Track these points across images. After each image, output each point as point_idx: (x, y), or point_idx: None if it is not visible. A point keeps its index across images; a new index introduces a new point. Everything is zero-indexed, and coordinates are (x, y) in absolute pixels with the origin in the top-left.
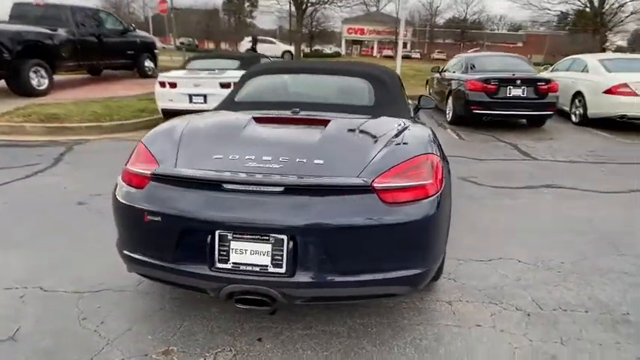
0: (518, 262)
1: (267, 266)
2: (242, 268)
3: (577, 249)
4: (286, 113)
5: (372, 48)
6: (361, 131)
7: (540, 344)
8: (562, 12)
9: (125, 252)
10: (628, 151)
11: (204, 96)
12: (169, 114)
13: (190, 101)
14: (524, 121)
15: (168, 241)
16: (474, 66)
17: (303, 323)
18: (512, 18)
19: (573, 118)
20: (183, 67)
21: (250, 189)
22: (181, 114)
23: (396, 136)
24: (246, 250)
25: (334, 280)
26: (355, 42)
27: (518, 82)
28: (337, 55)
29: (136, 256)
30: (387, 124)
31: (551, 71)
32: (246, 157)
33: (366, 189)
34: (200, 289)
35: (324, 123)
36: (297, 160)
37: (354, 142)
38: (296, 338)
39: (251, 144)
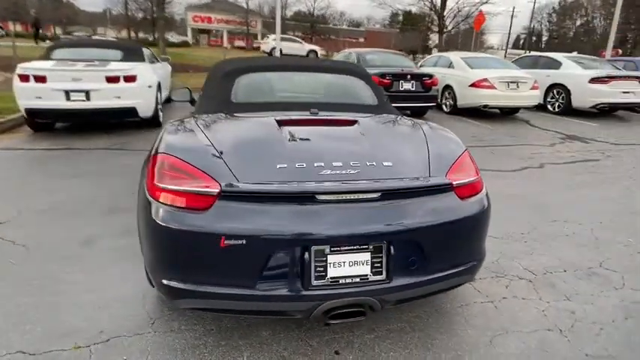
0: (493, 237)
1: (367, 275)
2: (341, 281)
3: (524, 221)
4: (305, 114)
5: (222, 38)
6: (395, 130)
7: (555, 303)
8: (393, 12)
9: (179, 286)
10: (497, 134)
11: (87, 92)
12: (37, 115)
13: (68, 99)
14: (408, 112)
15: (252, 265)
16: (365, 61)
17: (364, 328)
18: (350, 14)
19: (444, 108)
20: (46, 57)
21: (344, 198)
22: (54, 115)
23: (426, 133)
24: (344, 263)
25: (425, 278)
26: (202, 31)
27: (409, 76)
28: (186, 44)
29: (200, 289)
30: (406, 122)
31: (420, 67)
32: (315, 165)
33: (446, 187)
34: (284, 313)
35: (351, 123)
36: (368, 163)
37: (399, 142)
38: (369, 343)
39: (302, 150)
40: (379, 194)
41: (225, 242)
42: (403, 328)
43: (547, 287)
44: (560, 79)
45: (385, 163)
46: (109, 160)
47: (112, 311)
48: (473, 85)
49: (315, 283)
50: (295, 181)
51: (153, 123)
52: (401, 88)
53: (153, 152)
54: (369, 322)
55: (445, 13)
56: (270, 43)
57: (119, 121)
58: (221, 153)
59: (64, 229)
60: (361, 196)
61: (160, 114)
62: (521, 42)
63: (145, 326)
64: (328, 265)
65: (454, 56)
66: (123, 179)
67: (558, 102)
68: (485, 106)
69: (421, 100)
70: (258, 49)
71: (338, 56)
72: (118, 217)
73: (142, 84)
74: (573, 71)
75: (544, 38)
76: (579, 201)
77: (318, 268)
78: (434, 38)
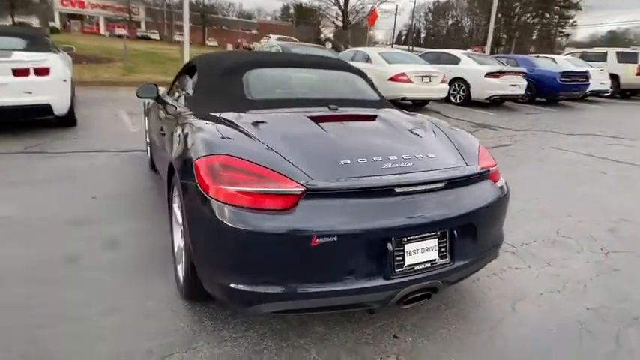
0: None
1: (435, 260)
2: (416, 267)
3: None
4: (324, 110)
5: (98, 25)
6: (415, 124)
7: (542, 269)
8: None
9: (260, 290)
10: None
11: None
12: None
13: None
14: None
15: (339, 260)
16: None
17: (407, 312)
18: (240, 5)
19: None
20: None
21: (417, 189)
22: None
23: (440, 127)
24: (417, 250)
25: (475, 258)
26: (73, 16)
27: None
28: (56, 31)
29: (283, 290)
30: (415, 116)
31: None
32: (375, 160)
33: (486, 174)
34: (363, 305)
35: (373, 118)
36: (417, 156)
37: (425, 135)
38: (419, 324)
39: (352, 145)
40: (443, 183)
41: (317, 240)
42: (439, 307)
43: (529, 257)
44: (460, 74)
45: (430, 155)
46: (35, 166)
47: (147, 329)
48: (391, 79)
49: (395, 271)
50: (375, 175)
51: (67, 121)
52: None
53: (202, 154)
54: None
55: (348, 9)
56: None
57: (25, 121)
58: (279, 151)
59: (31, 248)
60: (429, 186)
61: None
62: (403, 38)
63: (194, 339)
64: (406, 253)
65: (372, 51)
66: (66, 186)
67: (459, 94)
68: (403, 98)
69: None
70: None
71: (263, 48)
72: (88, 229)
73: (56, 77)
74: (471, 66)
75: (422, 35)
76: (512, 182)
77: (397, 258)
78: (325, 32)
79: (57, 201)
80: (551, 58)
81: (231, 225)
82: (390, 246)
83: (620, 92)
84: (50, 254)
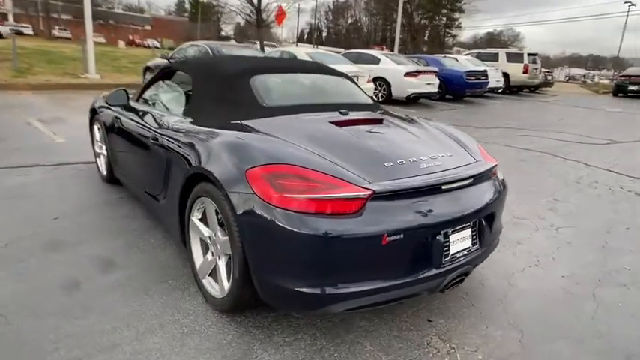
0: None
1: (469, 247)
2: (457, 256)
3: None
4: (336, 115)
5: None
6: (418, 125)
7: (516, 248)
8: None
9: (333, 292)
10: None
11: None
12: None
13: None
14: None
15: (401, 256)
16: (218, 53)
17: (430, 298)
18: None
19: None
20: None
21: (457, 185)
22: None
23: (439, 127)
24: (458, 240)
25: (492, 244)
26: None
27: None
28: None
29: (353, 289)
30: (410, 117)
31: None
32: (412, 160)
33: (495, 168)
34: (416, 294)
35: (380, 121)
36: (440, 155)
37: (432, 136)
38: (445, 306)
39: (385, 147)
40: (472, 179)
41: (387, 239)
42: (451, 291)
43: (502, 238)
44: (381, 73)
45: (448, 154)
46: None
47: (198, 346)
48: None
49: (443, 261)
50: (420, 175)
51: None
52: None
53: (255, 164)
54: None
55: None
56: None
57: None
58: (326, 157)
59: (17, 281)
60: (465, 182)
61: None
62: (305, 37)
63: (250, 350)
64: (450, 244)
65: (299, 51)
66: (15, 208)
67: (381, 93)
68: None
69: None
70: None
71: (185, 49)
72: (69, 253)
73: None
74: (391, 66)
75: (324, 34)
76: None
77: (445, 248)
78: (226, 29)
79: (15, 225)
80: (454, 57)
81: (306, 232)
82: (440, 238)
83: (510, 88)
84: (43, 284)
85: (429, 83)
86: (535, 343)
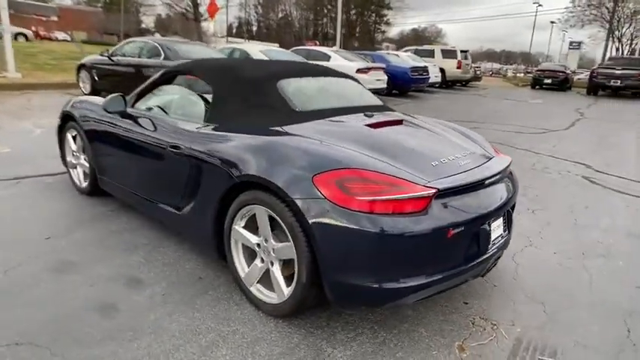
0: None
1: (502, 234)
2: (495, 242)
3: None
4: (362, 117)
5: None
6: (432, 124)
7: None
8: None
9: (406, 285)
10: None
11: None
12: None
13: None
14: None
15: (462, 246)
16: (176, 53)
17: None
18: None
19: None
20: None
21: (494, 179)
22: None
23: (448, 125)
24: (495, 228)
25: (511, 229)
26: None
27: None
28: None
29: (425, 281)
30: (419, 117)
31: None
32: (451, 158)
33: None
34: (466, 280)
35: (400, 122)
36: (470, 152)
37: (449, 133)
38: (471, 289)
39: (423, 147)
40: (502, 173)
41: (452, 232)
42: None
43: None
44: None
45: (472, 151)
46: None
47: (268, 353)
48: None
49: (488, 248)
50: (464, 171)
51: None
52: None
53: (321, 169)
54: None
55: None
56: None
57: None
58: (381, 159)
59: (39, 308)
60: (499, 175)
61: None
62: (234, 31)
63: (320, 350)
64: (491, 231)
65: (252, 48)
66: None
67: None
68: None
69: None
70: None
71: (126, 46)
72: (84, 274)
73: None
74: (342, 63)
75: (254, 28)
76: None
77: (489, 236)
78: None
79: (2, 250)
80: (396, 54)
81: (380, 232)
82: (486, 227)
83: (446, 83)
84: (73, 309)
85: (379, 79)
86: (557, 312)
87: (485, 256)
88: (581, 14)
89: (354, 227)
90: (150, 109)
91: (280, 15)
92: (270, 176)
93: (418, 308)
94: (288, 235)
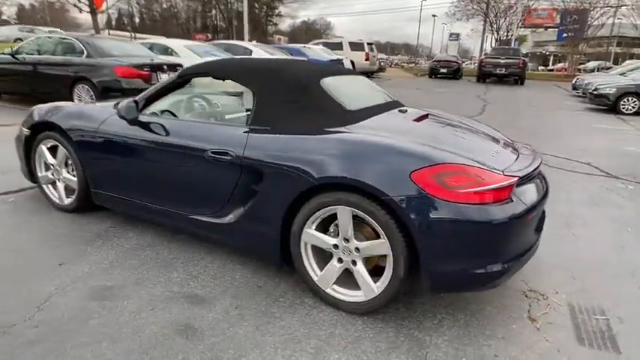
0: None
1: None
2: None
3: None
4: (398, 114)
5: None
6: (457, 119)
7: None
8: None
9: (504, 267)
10: None
11: None
12: None
13: None
14: None
15: (533, 228)
16: (97, 49)
17: None
18: None
19: None
20: None
21: (538, 170)
22: None
23: (463, 119)
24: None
25: None
26: None
27: (165, 67)
28: None
29: (515, 261)
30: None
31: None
32: (496, 151)
33: None
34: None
35: (427, 116)
36: (504, 144)
37: (476, 127)
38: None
39: (471, 141)
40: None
41: (530, 216)
42: None
43: None
44: None
45: (503, 143)
46: None
47: (381, 348)
48: None
49: (542, 227)
50: (520, 159)
51: None
52: (159, 80)
53: (419, 166)
54: None
55: None
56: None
57: None
58: (456, 152)
59: (107, 337)
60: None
61: None
62: (114, 22)
63: (422, 335)
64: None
65: (174, 43)
66: None
67: None
68: None
69: None
70: None
71: (37, 41)
72: (135, 296)
73: None
74: (264, 57)
75: (137, 20)
76: None
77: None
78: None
79: (13, 284)
80: (309, 47)
81: (481, 220)
82: (540, 212)
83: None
84: (149, 337)
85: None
86: (584, 277)
87: (539, 234)
88: (464, 9)
89: (457, 218)
90: (163, 113)
91: (165, 6)
92: (361, 176)
93: (475, 294)
94: (382, 232)
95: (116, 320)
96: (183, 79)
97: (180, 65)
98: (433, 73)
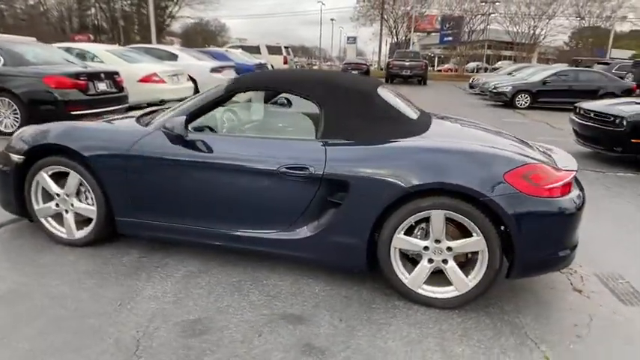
0: None
1: None
2: None
3: None
4: (436, 119)
5: None
6: (468, 121)
7: None
8: None
9: (570, 252)
10: None
11: None
12: None
13: None
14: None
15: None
16: (16, 57)
17: None
18: None
19: None
20: None
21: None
22: None
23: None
24: None
25: None
26: None
27: (102, 75)
28: None
29: (575, 246)
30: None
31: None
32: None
33: None
34: None
35: (457, 121)
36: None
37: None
38: None
39: (511, 141)
40: None
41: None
42: None
43: None
44: (187, 70)
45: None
46: None
47: (486, 337)
48: (143, 80)
49: None
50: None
51: None
52: (98, 90)
53: (511, 167)
54: None
55: None
56: None
57: None
58: (523, 153)
59: None
60: None
61: None
62: None
63: (522, 325)
64: None
65: (97, 49)
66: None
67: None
68: (162, 101)
69: (116, 102)
70: None
71: None
72: (230, 324)
73: None
74: (192, 62)
75: None
76: None
77: None
78: None
79: (77, 335)
80: (231, 51)
81: (564, 210)
82: None
83: None
84: None
85: (232, 78)
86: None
87: None
88: (365, 14)
89: (542, 211)
90: (203, 128)
91: (31, 2)
92: (459, 181)
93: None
94: (477, 230)
95: (234, 352)
96: (235, 92)
97: (116, 73)
98: None
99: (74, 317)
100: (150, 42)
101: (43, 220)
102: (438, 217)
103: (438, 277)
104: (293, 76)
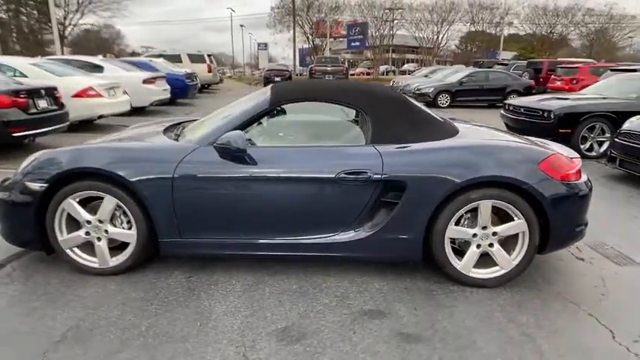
0: None
1: None
2: None
3: None
4: (457, 121)
5: None
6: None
7: None
8: None
9: (584, 228)
10: None
11: None
12: None
13: None
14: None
15: None
16: None
17: None
18: None
19: None
20: None
21: None
22: None
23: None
24: None
25: None
26: None
27: (42, 91)
28: None
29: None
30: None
31: None
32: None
33: None
34: None
35: (468, 122)
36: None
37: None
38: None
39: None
40: None
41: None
42: None
43: None
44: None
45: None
46: None
47: (534, 321)
48: (78, 95)
49: None
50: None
51: None
52: (39, 108)
53: (542, 157)
54: None
55: None
56: None
57: None
58: (541, 145)
59: None
60: None
61: None
62: None
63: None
64: None
65: (19, 62)
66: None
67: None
68: (100, 117)
69: (58, 120)
70: None
71: None
72: (334, 342)
73: None
74: (121, 74)
75: None
76: None
77: None
78: None
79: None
80: (155, 61)
81: (580, 192)
82: None
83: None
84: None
85: (165, 89)
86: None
87: None
88: (281, 20)
89: (568, 193)
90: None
91: None
92: (506, 173)
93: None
94: (519, 214)
95: (342, 350)
96: (282, 104)
97: (55, 89)
98: (268, 82)
99: (162, 343)
100: (33, 52)
101: (68, 252)
102: (486, 206)
103: (481, 260)
104: (337, 87)
